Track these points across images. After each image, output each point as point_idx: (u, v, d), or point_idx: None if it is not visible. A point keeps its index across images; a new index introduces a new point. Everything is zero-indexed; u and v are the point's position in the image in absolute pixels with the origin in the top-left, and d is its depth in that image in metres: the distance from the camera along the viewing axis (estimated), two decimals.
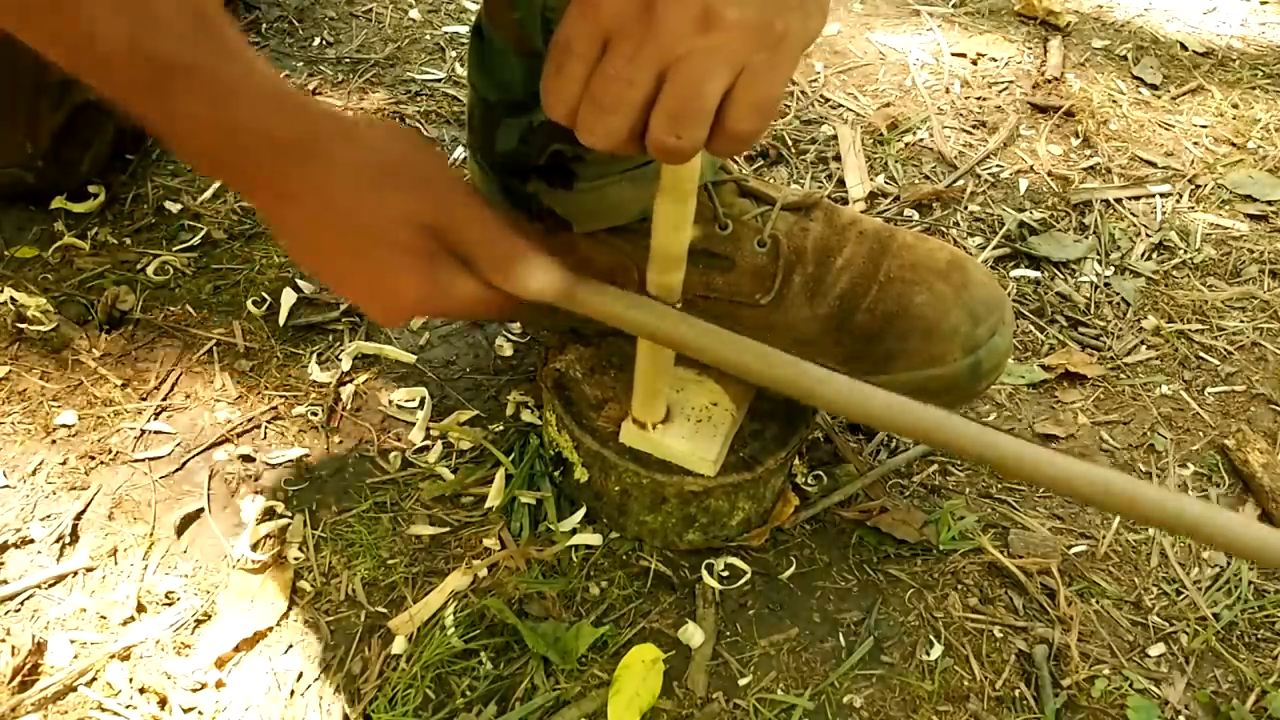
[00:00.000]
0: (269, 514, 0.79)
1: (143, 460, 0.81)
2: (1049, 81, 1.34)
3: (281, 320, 0.92)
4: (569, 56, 0.46)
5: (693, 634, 0.73)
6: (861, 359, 0.73)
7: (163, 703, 0.67)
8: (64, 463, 0.80)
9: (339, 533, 0.78)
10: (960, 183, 1.16)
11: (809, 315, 0.73)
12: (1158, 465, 0.89)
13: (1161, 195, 1.18)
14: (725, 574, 0.78)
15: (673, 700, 0.70)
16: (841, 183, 1.15)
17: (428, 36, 1.30)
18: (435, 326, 0.94)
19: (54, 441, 0.82)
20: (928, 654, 0.74)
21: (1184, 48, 1.44)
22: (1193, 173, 1.22)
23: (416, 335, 0.93)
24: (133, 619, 0.72)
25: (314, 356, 0.90)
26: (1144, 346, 1.00)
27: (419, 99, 1.20)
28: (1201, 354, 1.00)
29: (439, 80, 1.23)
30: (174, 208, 1.02)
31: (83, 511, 0.77)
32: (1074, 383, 0.96)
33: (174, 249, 0.97)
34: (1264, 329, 1.03)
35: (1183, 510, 0.51)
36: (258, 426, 0.84)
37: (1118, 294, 1.05)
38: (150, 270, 0.95)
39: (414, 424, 0.85)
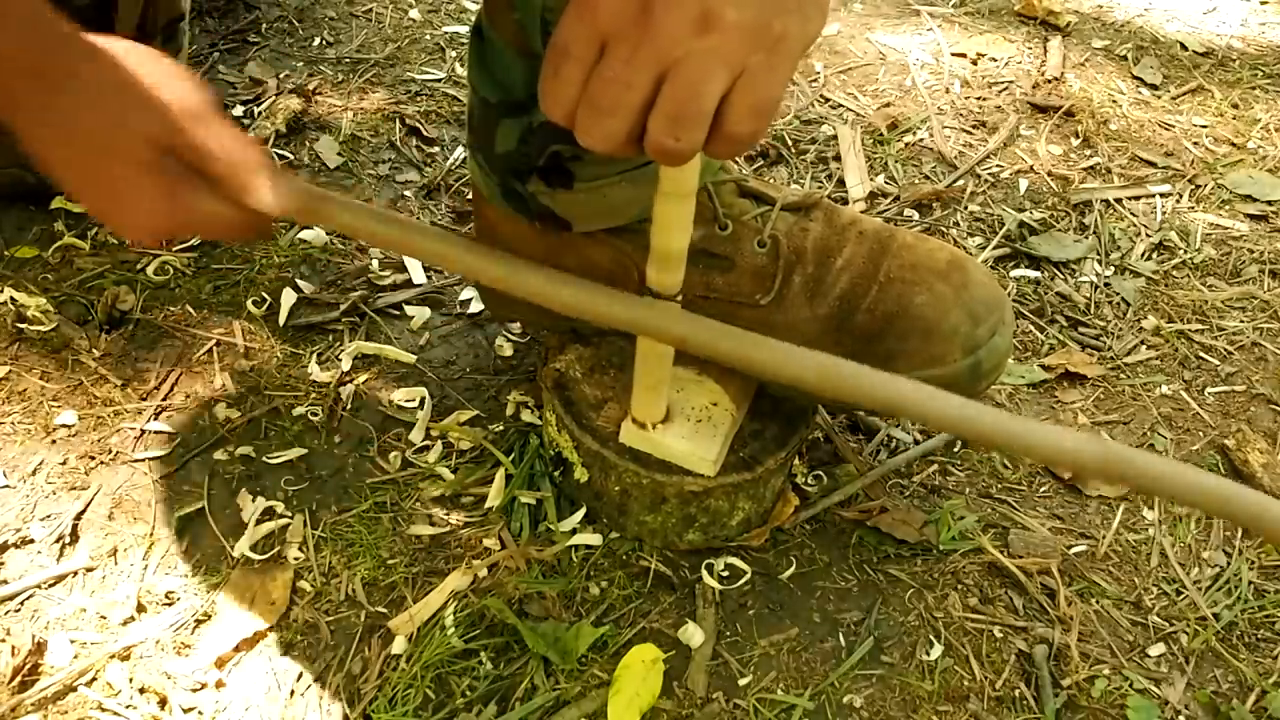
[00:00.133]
0: (269, 514, 0.79)
1: (143, 460, 0.81)
2: (1049, 81, 1.34)
3: (281, 320, 0.92)
4: (566, 59, 0.46)
5: (693, 634, 0.73)
6: (861, 359, 0.73)
7: (163, 703, 0.67)
8: (64, 463, 0.80)
9: (339, 533, 0.78)
10: (960, 183, 1.16)
11: (809, 315, 0.73)
12: None
13: (1161, 195, 1.18)
14: (725, 574, 0.78)
15: (673, 700, 0.70)
16: (841, 183, 1.15)
17: (428, 36, 1.30)
18: (435, 326, 0.94)
19: (54, 441, 0.82)
20: (928, 654, 0.74)
21: (1184, 48, 1.44)
22: (1193, 173, 1.22)
23: (416, 335, 0.93)
24: (133, 619, 0.72)
25: (314, 356, 0.90)
26: (1144, 346, 1.00)
27: (419, 99, 1.20)
28: (1201, 354, 1.00)
29: (439, 80, 1.23)
30: None
31: (83, 511, 0.77)
32: (1074, 383, 0.96)
33: (174, 249, 0.97)
34: (1264, 329, 1.03)
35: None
36: (258, 426, 0.84)
37: (1118, 294, 1.05)
38: (150, 270, 0.95)
39: (414, 424, 0.85)
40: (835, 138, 1.21)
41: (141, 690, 0.68)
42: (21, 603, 0.72)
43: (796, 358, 0.56)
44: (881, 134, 1.22)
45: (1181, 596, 0.80)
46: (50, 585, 0.73)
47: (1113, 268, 1.08)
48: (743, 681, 0.72)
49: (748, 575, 0.78)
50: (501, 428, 0.86)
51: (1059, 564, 0.80)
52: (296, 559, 0.76)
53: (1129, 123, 1.29)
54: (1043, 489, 0.87)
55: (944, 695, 0.72)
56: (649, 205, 0.58)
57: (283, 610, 0.73)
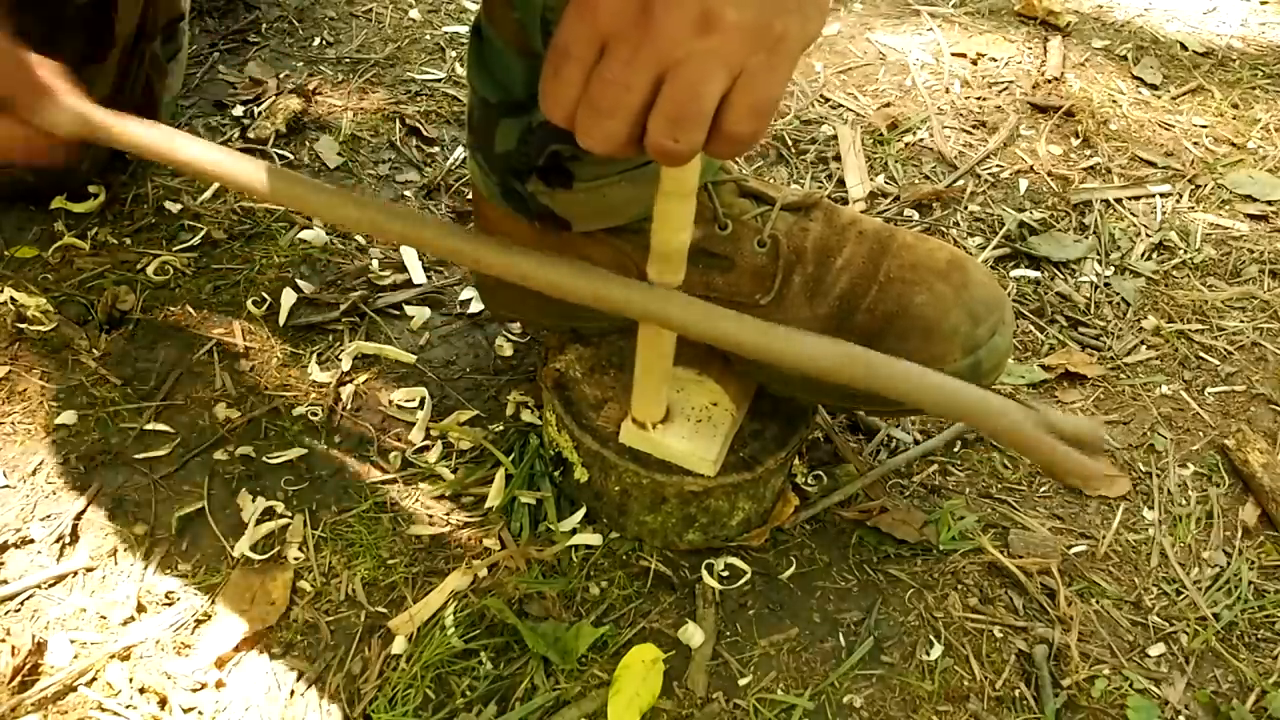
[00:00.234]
0: (269, 514, 0.79)
1: (143, 460, 0.81)
2: (1049, 81, 1.34)
3: (281, 320, 0.92)
4: (566, 59, 0.46)
5: (693, 634, 0.73)
6: None
7: (163, 703, 0.68)
8: (64, 463, 0.80)
9: (339, 533, 0.78)
10: (960, 183, 1.17)
11: (809, 315, 0.73)
12: (1158, 465, 0.89)
13: (1161, 195, 1.18)
14: (725, 574, 0.78)
15: (673, 700, 0.70)
16: (841, 183, 1.15)
17: (428, 36, 1.30)
18: (435, 326, 0.94)
19: (54, 441, 0.82)
20: (928, 654, 0.74)
21: (1184, 48, 1.44)
22: (1193, 173, 1.22)
23: (416, 335, 0.93)
24: (133, 619, 0.72)
25: (314, 356, 0.90)
26: (1144, 346, 1.00)
27: (419, 99, 1.20)
28: (1201, 354, 1.00)
29: (439, 80, 1.23)
30: (174, 208, 1.02)
31: (83, 511, 0.77)
32: (1074, 383, 0.96)
33: (174, 249, 0.97)
34: (1264, 329, 1.03)
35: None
36: (258, 426, 0.84)
37: (1118, 294, 1.05)
38: (150, 270, 0.95)
39: (414, 424, 0.86)
40: (835, 138, 1.21)
41: (141, 690, 0.68)
42: (21, 603, 0.72)
43: (798, 340, 0.56)
44: (881, 134, 1.22)
45: (1181, 596, 0.80)
46: (50, 585, 0.73)
47: (1113, 268, 1.08)
48: (743, 681, 0.72)
49: (748, 575, 0.78)
50: (501, 428, 0.86)
51: (1059, 564, 0.80)
52: (296, 559, 0.76)
53: (1129, 123, 1.29)
54: (1043, 489, 0.87)
55: (944, 695, 0.72)
56: (649, 205, 0.58)
57: (283, 610, 0.73)
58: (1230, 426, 0.93)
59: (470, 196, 0.94)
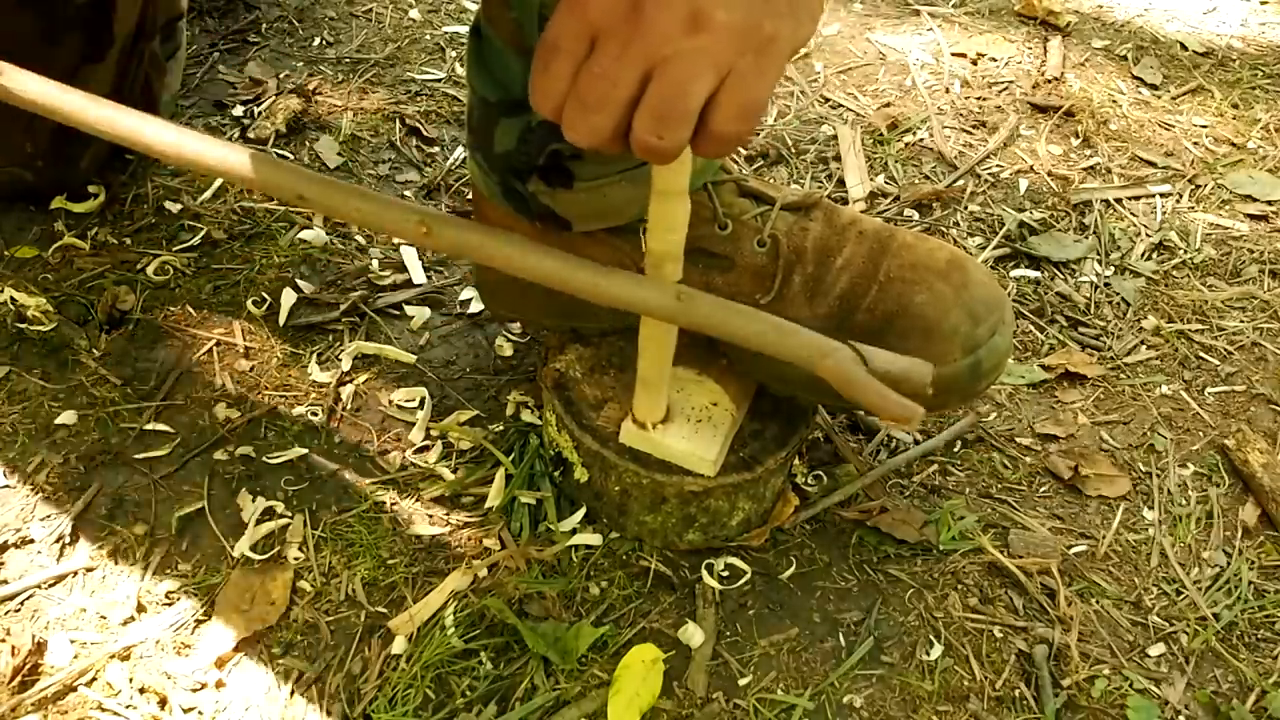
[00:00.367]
0: (269, 514, 0.79)
1: (143, 460, 0.81)
2: (1049, 81, 1.34)
3: (281, 320, 0.92)
4: (556, 54, 0.46)
5: (693, 634, 0.73)
6: None
7: (163, 703, 0.67)
8: (64, 463, 0.80)
9: (339, 533, 0.78)
10: (960, 183, 1.16)
11: (809, 315, 0.73)
12: (1158, 465, 0.89)
13: (1161, 195, 1.18)
14: (725, 574, 0.78)
15: (673, 700, 0.70)
16: (841, 183, 1.15)
17: (428, 36, 1.30)
18: (435, 326, 0.94)
19: (54, 441, 0.82)
20: (928, 654, 0.74)
21: (1184, 48, 1.44)
22: (1193, 173, 1.22)
23: (416, 335, 0.93)
24: (133, 619, 0.72)
25: (314, 356, 0.90)
26: (1144, 346, 1.00)
27: (419, 99, 1.20)
28: (1201, 354, 1.00)
29: (439, 80, 1.23)
30: (174, 208, 1.02)
31: (83, 511, 0.77)
32: (1074, 383, 0.96)
33: (174, 249, 0.97)
34: (1264, 329, 1.03)
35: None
36: (258, 426, 0.84)
37: (1118, 294, 1.05)
38: (150, 270, 0.95)
39: (414, 424, 0.85)
40: (835, 138, 1.21)
41: (141, 690, 0.68)
42: (21, 603, 0.72)
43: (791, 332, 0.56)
44: (881, 134, 1.22)
45: (1181, 596, 0.80)
46: (50, 585, 0.73)
47: (1113, 268, 1.08)
48: (743, 681, 0.72)
49: (748, 575, 0.78)
50: (501, 428, 0.86)
51: (1059, 564, 0.80)
52: (296, 559, 0.76)
53: (1129, 123, 1.29)
54: (1043, 489, 0.87)
55: (944, 695, 0.72)
56: (649, 205, 0.58)
57: (283, 610, 0.73)
58: (1230, 426, 0.93)
59: (470, 196, 0.94)
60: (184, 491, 0.79)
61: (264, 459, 0.82)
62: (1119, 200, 1.17)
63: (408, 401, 0.87)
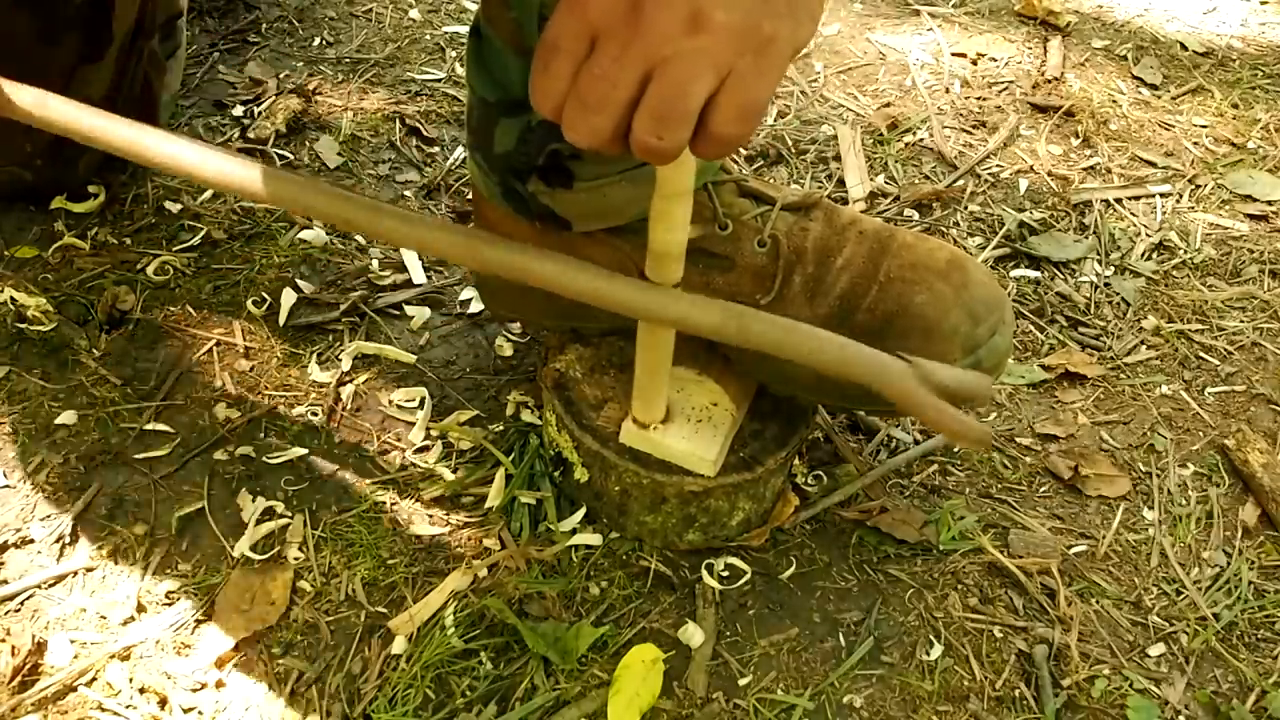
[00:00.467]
0: (269, 514, 0.79)
1: (143, 460, 0.81)
2: (1049, 81, 1.34)
3: (281, 320, 0.92)
4: (556, 54, 0.46)
5: (693, 634, 0.73)
6: None
7: (163, 703, 0.67)
8: (64, 463, 0.80)
9: (339, 533, 0.78)
10: (960, 183, 1.16)
11: (809, 315, 0.73)
12: (1158, 465, 0.89)
13: (1161, 195, 1.18)
14: (725, 574, 0.78)
15: (673, 700, 0.70)
16: (841, 183, 1.15)
17: (428, 36, 1.30)
18: (435, 326, 0.94)
19: (54, 441, 0.82)
20: (928, 654, 0.74)
21: (1184, 48, 1.44)
22: (1193, 173, 1.22)
23: (416, 335, 0.93)
24: (133, 619, 0.72)
25: (314, 356, 0.90)
26: (1144, 346, 1.00)
27: (419, 99, 1.20)
28: (1201, 354, 1.00)
29: (439, 80, 1.23)
30: (174, 208, 1.02)
31: (83, 511, 0.77)
32: (1074, 383, 0.96)
33: (174, 249, 0.97)
34: (1264, 329, 1.03)
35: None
36: (258, 426, 0.84)
37: (1118, 294, 1.05)
38: (150, 270, 0.95)
39: (414, 424, 0.85)
40: (835, 138, 1.21)
41: (141, 690, 0.68)
42: (21, 603, 0.72)
43: (794, 330, 0.56)
44: (881, 134, 1.22)
45: (1181, 596, 0.80)
46: (50, 585, 0.73)
47: (1113, 268, 1.08)
48: (743, 681, 0.72)
49: (748, 575, 0.78)
50: (501, 428, 0.86)
51: (1059, 564, 0.80)
52: (296, 559, 0.76)
53: (1129, 123, 1.29)
54: (1043, 489, 0.87)
55: (944, 695, 0.72)
56: (649, 205, 0.58)
57: (283, 610, 0.73)
58: (1230, 426, 0.93)
59: (470, 196, 0.94)
60: (184, 491, 0.79)
61: (264, 459, 0.82)
62: (1119, 200, 1.17)
63: (408, 401, 0.87)
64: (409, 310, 0.95)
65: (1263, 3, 1.58)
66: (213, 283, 0.95)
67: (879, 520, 0.81)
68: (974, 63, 1.37)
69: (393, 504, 0.80)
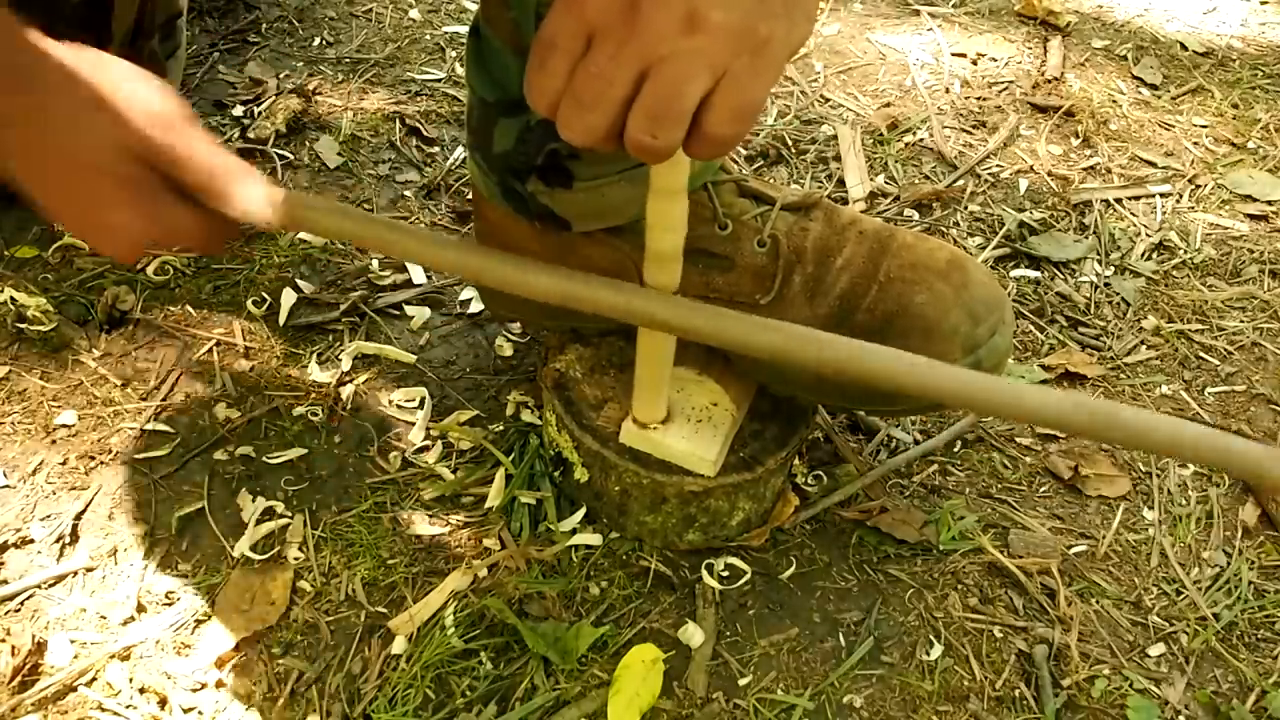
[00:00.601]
0: (269, 514, 0.79)
1: (143, 460, 0.81)
2: (1049, 81, 1.34)
3: (281, 320, 0.92)
4: (552, 51, 0.46)
5: (693, 634, 0.73)
6: None
7: (163, 703, 0.67)
8: (64, 463, 0.80)
9: (339, 533, 0.78)
10: (960, 183, 1.16)
11: (809, 315, 0.73)
12: (1158, 465, 0.89)
13: (1161, 195, 1.18)
14: (725, 574, 0.78)
15: (673, 700, 0.70)
16: (841, 183, 1.15)
17: (428, 36, 1.30)
18: (435, 326, 0.94)
19: (54, 441, 0.82)
20: (928, 654, 0.74)
21: (1184, 48, 1.44)
22: (1193, 173, 1.22)
23: (416, 335, 0.93)
24: (133, 619, 0.72)
25: (314, 356, 0.90)
26: (1144, 346, 1.00)
27: (419, 99, 1.20)
28: (1201, 354, 1.00)
29: (439, 80, 1.23)
30: None
31: (83, 511, 0.77)
32: (1074, 383, 0.96)
33: (174, 249, 0.97)
34: (1264, 329, 1.03)
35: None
36: (258, 426, 0.84)
37: (1118, 294, 1.05)
38: (150, 270, 0.95)
39: (414, 424, 0.85)
40: (835, 138, 1.21)
41: (141, 690, 0.68)
42: (21, 603, 0.72)
43: (799, 335, 0.56)
44: (881, 134, 1.22)
45: (1181, 596, 0.80)
46: (50, 585, 0.73)
47: (1113, 268, 1.08)
48: (743, 681, 0.72)
49: (748, 575, 0.78)
50: (501, 428, 0.86)
51: (1059, 564, 0.80)
52: (296, 559, 0.76)
53: (1129, 123, 1.29)
54: (1043, 489, 0.87)
55: (944, 695, 0.72)
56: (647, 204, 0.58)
57: (283, 610, 0.73)
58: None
59: (470, 196, 0.94)
60: (184, 491, 0.79)
61: (264, 459, 0.82)
62: (1119, 200, 1.17)
63: (408, 401, 0.87)
64: (409, 310, 0.95)
65: (1263, 3, 1.58)
66: (213, 283, 0.95)
67: (879, 520, 0.81)
68: (974, 63, 1.37)
69: (393, 504, 0.80)
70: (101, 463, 0.81)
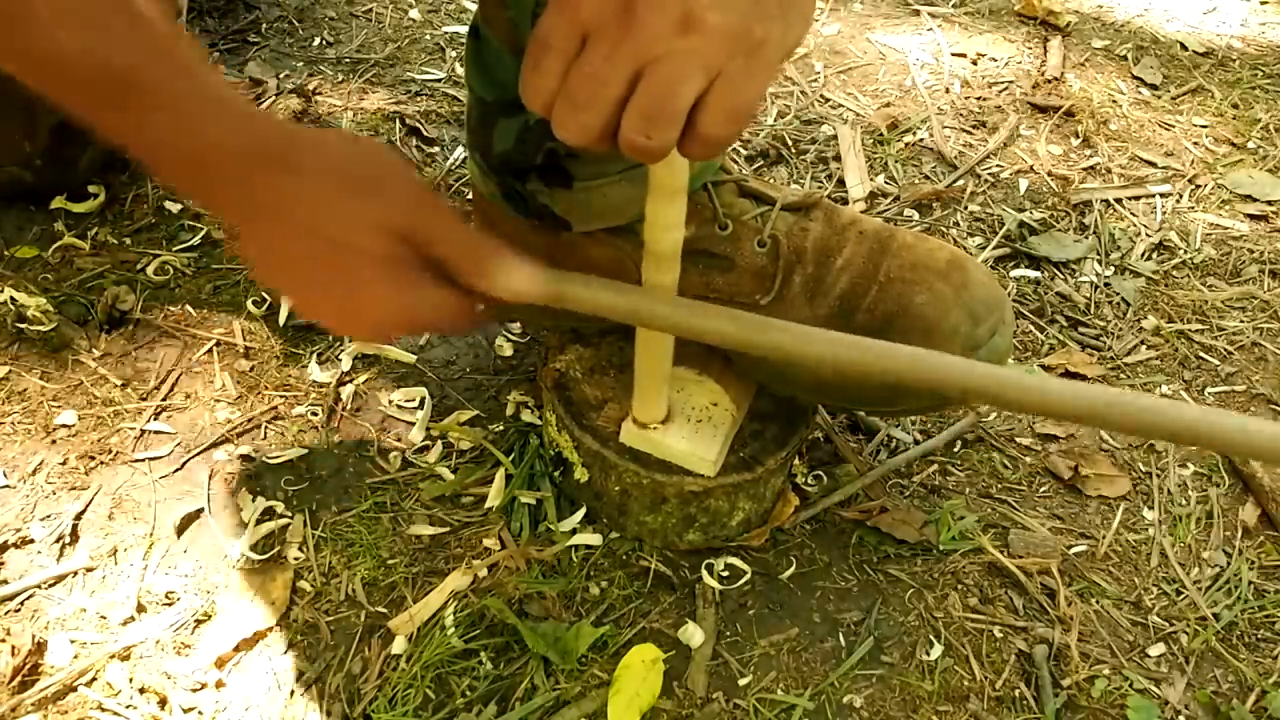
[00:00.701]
0: (269, 514, 0.79)
1: (143, 460, 0.81)
2: (1049, 81, 1.34)
3: (281, 320, 0.92)
4: (547, 51, 0.46)
5: (693, 634, 0.73)
6: None
7: (163, 703, 0.67)
8: (64, 463, 0.80)
9: (339, 533, 0.78)
10: (960, 183, 1.16)
11: (809, 315, 0.73)
12: (1158, 465, 0.89)
13: (1161, 195, 1.18)
14: (725, 574, 0.78)
15: (673, 700, 0.70)
16: (841, 183, 1.15)
17: (428, 36, 1.30)
18: None
19: (54, 441, 0.82)
20: (928, 654, 0.74)
21: (1184, 48, 1.44)
22: (1193, 173, 1.22)
23: (416, 335, 0.93)
24: (133, 619, 0.72)
25: (314, 356, 0.90)
26: (1144, 346, 1.00)
27: (419, 99, 1.20)
28: (1201, 354, 1.00)
29: (439, 80, 1.23)
30: (174, 208, 1.02)
31: (83, 511, 0.77)
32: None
33: (174, 249, 0.97)
34: (1264, 329, 1.03)
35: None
36: (258, 426, 0.84)
37: (1118, 294, 1.05)
38: (150, 270, 0.95)
39: (414, 424, 0.85)
40: (835, 138, 1.21)
41: (141, 690, 0.68)
42: (21, 603, 0.72)
43: (802, 335, 0.56)
44: (881, 134, 1.22)
45: (1181, 596, 0.80)
46: (50, 585, 0.73)
47: (1113, 268, 1.08)
48: (743, 681, 0.72)
49: (748, 575, 0.78)
50: (501, 428, 0.86)
51: (1059, 564, 0.80)
52: (296, 559, 0.76)
53: (1129, 123, 1.29)
54: (1043, 489, 0.87)
55: (944, 695, 0.72)
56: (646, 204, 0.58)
57: (283, 610, 0.73)
58: None
59: (470, 196, 0.94)
60: (184, 491, 0.79)
61: (264, 459, 0.82)
62: (1119, 200, 1.17)
63: (408, 401, 0.87)
64: None
65: (1263, 3, 1.58)
66: (213, 283, 0.95)
67: (879, 520, 0.81)
68: (974, 63, 1.37)
69: (393, 504, 0.80)
70: (101, 463, 0.81)
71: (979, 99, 1.30)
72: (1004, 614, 0.77)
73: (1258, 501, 0.87)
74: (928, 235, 0.82)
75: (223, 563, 0.75)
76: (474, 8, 1.35)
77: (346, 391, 0.87)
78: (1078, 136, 1.25)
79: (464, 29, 1.32)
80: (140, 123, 0.49)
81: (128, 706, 0.67)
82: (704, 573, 0.77)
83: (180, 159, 0.50)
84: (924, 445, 0.87)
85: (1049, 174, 1.19)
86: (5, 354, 0.87)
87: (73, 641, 0.70)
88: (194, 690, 0.68)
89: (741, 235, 0.73)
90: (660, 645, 0.72)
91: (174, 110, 0.49)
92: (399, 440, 0.85)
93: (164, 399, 0.85)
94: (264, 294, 0.94)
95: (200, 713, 0.67)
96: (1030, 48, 1.41)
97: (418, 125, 1.15)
